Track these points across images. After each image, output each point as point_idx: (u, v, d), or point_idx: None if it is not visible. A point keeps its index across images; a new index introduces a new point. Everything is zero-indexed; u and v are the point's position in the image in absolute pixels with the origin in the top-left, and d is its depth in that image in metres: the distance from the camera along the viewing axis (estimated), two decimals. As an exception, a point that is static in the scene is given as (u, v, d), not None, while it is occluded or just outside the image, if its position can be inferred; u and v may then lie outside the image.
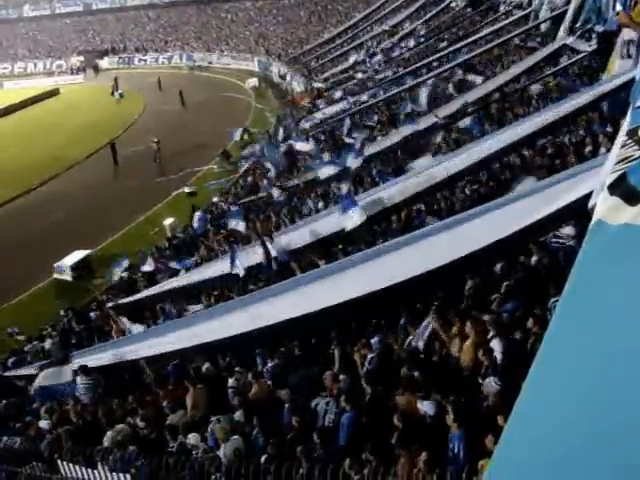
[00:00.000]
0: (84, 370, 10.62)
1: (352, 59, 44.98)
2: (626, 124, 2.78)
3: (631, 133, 2.48)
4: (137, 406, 9.95)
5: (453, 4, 45.58)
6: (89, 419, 9.89)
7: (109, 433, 8.74)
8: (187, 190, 27.72)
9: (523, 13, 33.32)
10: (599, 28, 21.48)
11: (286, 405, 8.18)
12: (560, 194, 6.50)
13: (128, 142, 36.75)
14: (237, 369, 9.76)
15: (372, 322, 9.47)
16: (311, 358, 9.56)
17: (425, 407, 6.56)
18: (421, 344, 8.26)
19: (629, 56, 13.86)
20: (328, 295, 8.48)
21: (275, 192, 20.55)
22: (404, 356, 8.17)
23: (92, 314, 17.67)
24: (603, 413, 1.46)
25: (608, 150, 10.93)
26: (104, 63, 68.91)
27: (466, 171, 12.75)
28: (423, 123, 21.03)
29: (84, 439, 8.95)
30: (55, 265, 21.90)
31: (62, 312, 18.24)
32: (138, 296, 16.11)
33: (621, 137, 2.66)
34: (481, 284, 9.36)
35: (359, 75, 39.31)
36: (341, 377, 8.15)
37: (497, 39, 31.26)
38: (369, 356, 8.42)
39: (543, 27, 29.62)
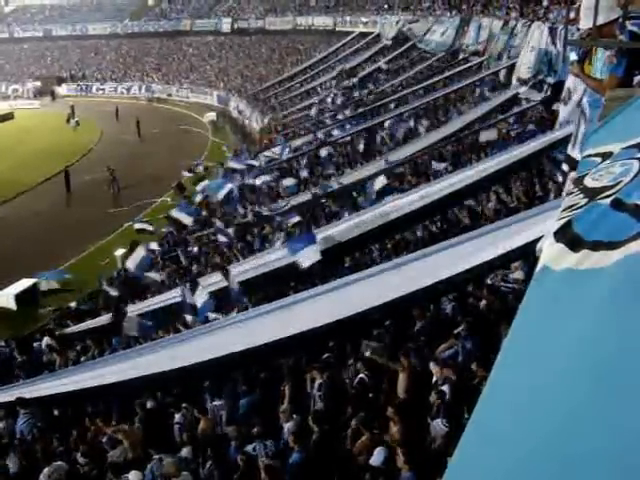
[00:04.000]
0: (22, 402, 10.23)
1: (311, 99, 45.45)
2: (574, 173, 2.87)
3: (577, 181, 2.56)
4: (78, 441, 9.65)
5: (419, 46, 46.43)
6: (25, 455, 9.49)
7: (45, 470, 8.41)
8: (137, 226, 25.81)
9: (479, 60, 34.27)
10: (550, 80, 22.28)
11: (232, 443, 8.06)
12: (509, 238, 6.62)
13: (83, 170, 36.26)
14: (184, 405, 9.59)
15: (321, 358, 9.44)
16: (261, 393, 9.50)
17: (376, 459, 6.43)
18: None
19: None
20: (277, 329, 8.44)
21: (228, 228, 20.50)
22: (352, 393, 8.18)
23: (36, 344, 17.18)
24: (545, 451, 1.48)
25: (557, 196, 11.26)
26: (61, 90, 68.24)
27: (420, 211, 12.91)
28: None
29: (20, 477, 8.64)
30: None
31: (2, 342, 17.64)
32: (83, 326, 15.85)
33: (569, 185, 2.74)
34: (430, 323, 9.46)
35: (313, 113, 39.61)
36: (293, 415, 8.09)
37: (454, 84, 32.03)
38: (316, 394, 8.39)
39: (501, 75, 30.46)
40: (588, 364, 1.62)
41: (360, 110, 34.33)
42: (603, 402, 1.50)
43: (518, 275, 9.63)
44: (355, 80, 45.06)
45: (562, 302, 1.91)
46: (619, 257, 1.83)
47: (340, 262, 14.24)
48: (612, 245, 1.89)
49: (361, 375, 8.44)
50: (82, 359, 13.97)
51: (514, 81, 26.33)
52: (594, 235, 1.99)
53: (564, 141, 12.40)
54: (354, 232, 12.45)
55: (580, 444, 1.46)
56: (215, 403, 9.61)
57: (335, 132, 30.78)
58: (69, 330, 16.12)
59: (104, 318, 15.57)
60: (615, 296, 1.75)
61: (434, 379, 7.61)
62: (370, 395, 8.07)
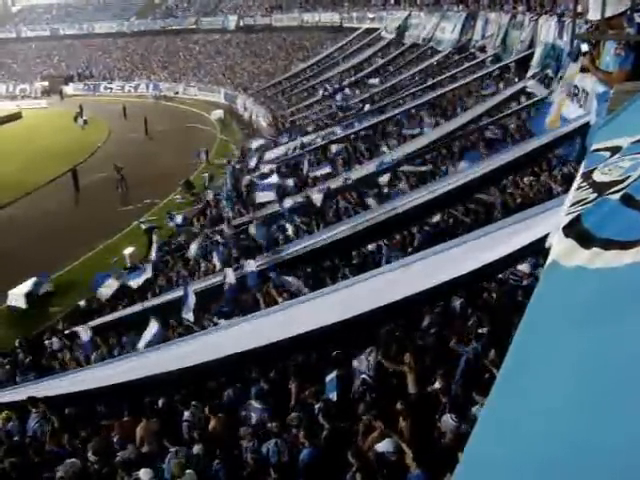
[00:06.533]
0: (32, 401, 10.27)
1: (317, 95, 45.34)
2: (582, 167, 2.85)
3: (585, 176, 2.55)
4: (89, 439, 9.67)
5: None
6: (37, 452, 9.53)
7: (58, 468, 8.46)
8: (144, 226, 25.87)
9: (485, 56, 34.09)
10: (558, 74, 22.12)
11: (243, 442, 8.06)
12: (517, 233, 6.58)
13: (91, 169, 36.36)
14: (193, 403, 9.60)
15: (330, 356, 9.43)
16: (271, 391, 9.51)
17: (383, 446, 6.47)
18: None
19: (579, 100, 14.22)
20: (283, 327, 8.43)
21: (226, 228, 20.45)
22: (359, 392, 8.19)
23: (46, 342, 17.23)
24: (553, 444, 1.48)
25: (565, 191, 11.20)
26: (69, 89, 68.45)
27: (427, 207, 12.85)
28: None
29: (33, 474, 8.69)
30: (9, 292, 21.37)
31: (16, 341, 17.69)
32: (93, 323, 15.88)
33: (577, 180, 2.73)
34: (438, 319, 9.45)
35: (319, 111, 39.45)
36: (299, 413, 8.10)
37: (460, 80, 31.87)
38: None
39: (511, 70, 30.24)
40: (600, 367, 1.62)
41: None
42: (613, 405, 1.50)
43: (526, 268, 9.61)
44: (360, 76, 44.73)
45: (574, 301, 1.90)
46: (631, 260, 1.82)
47: (347, 258, 14.25)
48: (624, 245, 1.87)
49: (363, 376, 8.42)
50: (92, 357, 14.02)
51: (529, 75, 26.03)
52: (604, 232, 1.98)
53: (569, 136, 12.37)
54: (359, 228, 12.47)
55: (589, 437, 1.46)
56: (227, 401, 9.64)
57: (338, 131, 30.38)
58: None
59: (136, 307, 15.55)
60: (628, 300, 1.74)
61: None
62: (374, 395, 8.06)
